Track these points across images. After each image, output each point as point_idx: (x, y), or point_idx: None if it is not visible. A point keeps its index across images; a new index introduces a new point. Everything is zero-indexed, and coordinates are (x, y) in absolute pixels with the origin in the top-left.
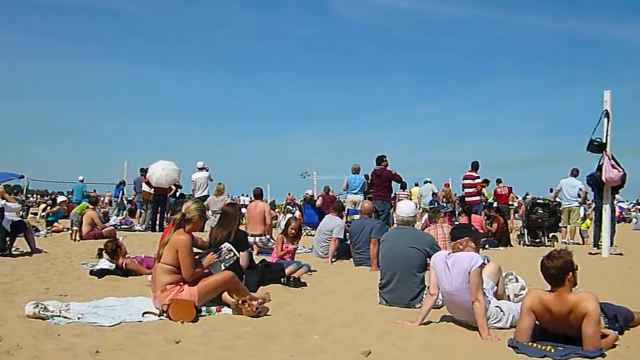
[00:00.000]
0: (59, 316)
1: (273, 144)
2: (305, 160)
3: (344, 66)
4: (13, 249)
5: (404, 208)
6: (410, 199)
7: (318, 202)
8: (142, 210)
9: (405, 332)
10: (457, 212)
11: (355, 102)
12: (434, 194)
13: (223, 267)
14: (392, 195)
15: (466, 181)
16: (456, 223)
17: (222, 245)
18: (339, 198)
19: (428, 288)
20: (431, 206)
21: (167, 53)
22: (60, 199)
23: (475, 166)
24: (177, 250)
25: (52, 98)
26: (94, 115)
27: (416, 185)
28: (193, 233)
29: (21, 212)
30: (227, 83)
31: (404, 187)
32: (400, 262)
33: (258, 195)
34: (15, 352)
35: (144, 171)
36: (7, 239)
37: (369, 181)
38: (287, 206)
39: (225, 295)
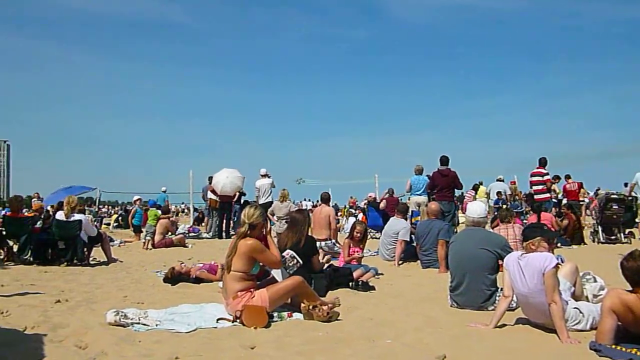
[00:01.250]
0: (138, 323)
1: (332, 147)
2: (364, 162)
3: (399, 66)
4: (90, 258)
5: (475, 209)
6: (475, 199)
7: (382, 205)
8: (209, 218)
9: (480, 336)
10: (524, 211)
11: (412, 102)
12: (498, 192)
13: (287, 274)
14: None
15: (534, 178)
16: (525, 222)
17: (285, 253)
18: (400, 200)
19: (501, 290)
20: (496, 205)
21: (227, 65)
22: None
23: (543, 162)
24: (250, 255)
25: (122, 116)
26: (162, 128)
27: (480, 184)
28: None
29: (95, 223)
30: (286, 89)
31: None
32: (470, 264)
33: (325, 199)
34: (100, 358)
35: (209, 180)
36: (85, 249)
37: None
38: (350, 209)
39: (296, 300)
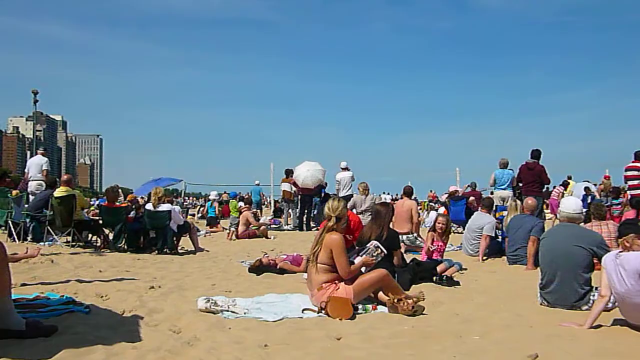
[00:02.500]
0: (227, 311)
1: (411, 141)
2: (445, 155)
3: (483, 59)
4: (179, 248)
5: (570, 203)
6: (564, 195)
7: (470, 200)
8: (286, 210)
9: (574, 336)
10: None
11: (495, 96)
12: (586, 188)
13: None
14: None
15: (630, 172)
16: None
17: (369, 244)
18: (482, 194)
19: (597, 289)
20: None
21: (306, 58)
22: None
23: (638, 156)
24: (331, 249)
25: (208, 107)
26: (244, 122)
27: (569, 178)
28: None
29: (182, 214)
30: (369, 82)
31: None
32: (563, 261)
33: (408, 193)
34: (194, 343)
35: (289, 172)
36: (174, 238)
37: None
38: (430, 203)
39: (381, 294)
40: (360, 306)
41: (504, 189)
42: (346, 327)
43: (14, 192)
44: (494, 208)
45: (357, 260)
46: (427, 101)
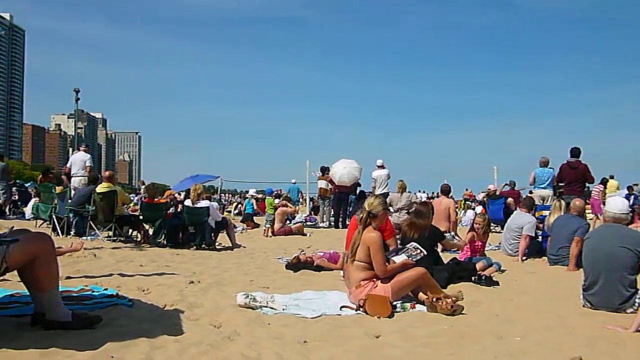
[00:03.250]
0: (266, 307)
1: (446, 140)
2: (481, 154)
3: (521, 56)
4: (216, 244)
5: (617, 204)
6: (605, 194)
7: (509, 200)
8: (321, 207)
9: (619, 340)
10: None
11: (533, 94)
12: (629, 187)
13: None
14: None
15: None
16: None
17: (409, 244)
18: (521, 193)
19: None
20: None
21: (345, 55)
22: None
23: None
24: (369, 247)
25: (243, 104)
26: (279, 119)
27: (611, 177)
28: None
29: (219, 211)
30: (404, 80)
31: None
32: (607, 262)
33: (445, 191)
34: (235, 337)
35: (324, 170)
36: (212, 234)
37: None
38: (467, 202)
39: (420, 292)
40: (398, 304)
41: (544, 188)
42: (384, 325)
43: (58, 188)
44: (534, 208)
45: (397, 259)
46: (462, 100)
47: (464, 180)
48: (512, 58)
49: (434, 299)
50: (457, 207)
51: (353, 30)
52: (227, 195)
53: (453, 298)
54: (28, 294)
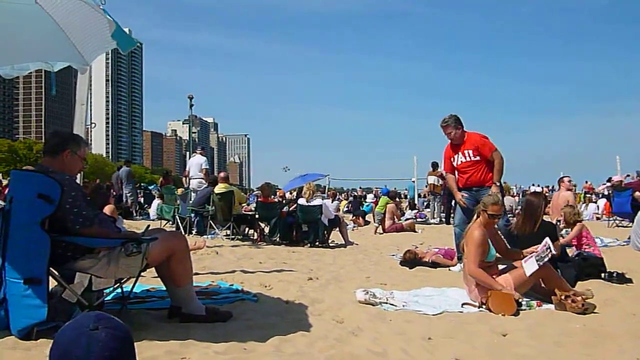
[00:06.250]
0: (386, 303)
1: (562, 130)
2: (601, 143)
3: None
4: (329, 241)
5: None
6: None
7: (637, 194)
8: (434, 203)
9: None
10: None
11: None
12: None
13: (537, 266)
14: None
15: None
16: None
17: (542, 244)
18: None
19: None
20: None
21: (443, 48)
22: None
23: None
24: (473, 242)
25: (345, 104)
26: (384, 115)
27: None
28: None
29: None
30: (505, 70)
31: None
32: None
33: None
34: (358, 333)
35: (436, 165)
36: (325, 232)
37: None
38: (587, 195)
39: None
40: (524, 302)
41: None
42: (510, 323)
43: (179, 189)
44: None
45: (527, 266)
46: (575, 83)
47: (582, 171)
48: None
49: (563, 297)
50: (577, 201)
51: (458, 20)
52: (334, 193)
53: (582, 296)
54: (163, 288)
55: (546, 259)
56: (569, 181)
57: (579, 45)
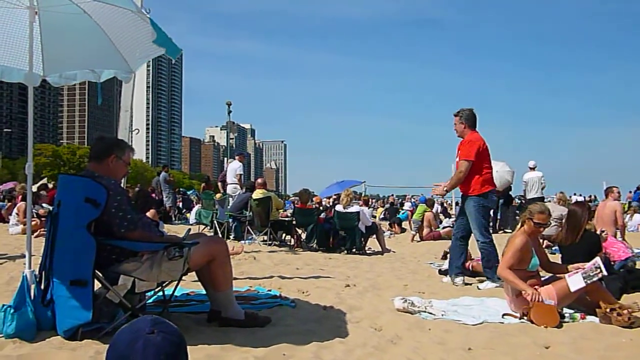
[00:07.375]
0: (424, 312)
1: (603, 137)
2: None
3: None
4: (366, 248)
5: None
6: None
7: None
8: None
9: None
10: None
11: None
12: None
13: (584, 284)
14: None
15: None
16: None
17: (591, 263)
18: None
19: None
20: None
21: (476, 55)
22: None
23: None
24: (515, 250)
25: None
26: (419, 123)
27: None
28: None
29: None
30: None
31: None
32: None
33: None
34: (397, 341)
35: None
36: (362, 239)
37: None
38: (632, 203)
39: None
40: (567, 314)
41: None
42: (553, 335)
43: (218, 195)
44: None
45: (572, 281)
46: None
47: (627, 180)
48: None
49: (608, 310)
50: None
51: (492, 27)
52: (370, 200)
53: (629, 309)
54: (203, 292)
55: (595, 279)
56: (618, 192)
57: (614, 55)
